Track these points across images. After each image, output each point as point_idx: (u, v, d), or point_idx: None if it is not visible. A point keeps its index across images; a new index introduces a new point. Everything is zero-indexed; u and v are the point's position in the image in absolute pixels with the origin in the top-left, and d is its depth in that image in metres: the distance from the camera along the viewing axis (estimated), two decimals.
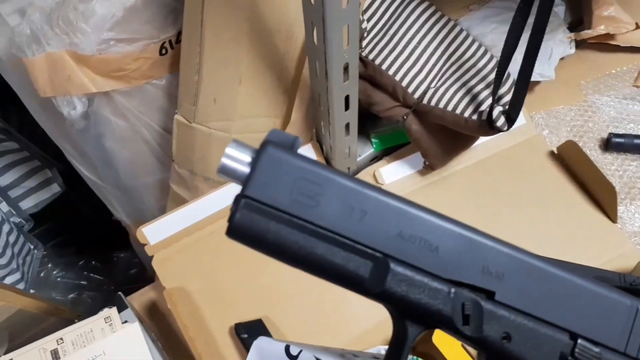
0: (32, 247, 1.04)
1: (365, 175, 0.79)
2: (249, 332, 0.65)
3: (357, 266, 0.21)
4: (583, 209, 0.77)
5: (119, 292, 0.66)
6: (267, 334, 0.66)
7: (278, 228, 0.21)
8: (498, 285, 0.22)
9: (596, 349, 0.21)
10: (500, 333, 0.21)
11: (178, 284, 0.67)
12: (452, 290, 0.21)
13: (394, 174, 0.79)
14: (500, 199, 0.78)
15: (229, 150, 0.21)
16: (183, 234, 0.69)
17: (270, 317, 0.68)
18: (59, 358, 0.60)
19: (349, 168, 0.77)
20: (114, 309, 0.64)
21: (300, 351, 0.40)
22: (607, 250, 0.73)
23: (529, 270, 0.22)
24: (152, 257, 0.68)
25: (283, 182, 0.21)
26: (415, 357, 0.64)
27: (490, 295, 0.22)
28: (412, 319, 0.22)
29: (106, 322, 0.63)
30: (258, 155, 0.21)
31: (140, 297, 0.70)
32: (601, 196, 0.77)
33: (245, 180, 0.21)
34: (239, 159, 0.22)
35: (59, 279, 1.14)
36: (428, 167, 0.79)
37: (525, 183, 0.80)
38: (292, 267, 0.23)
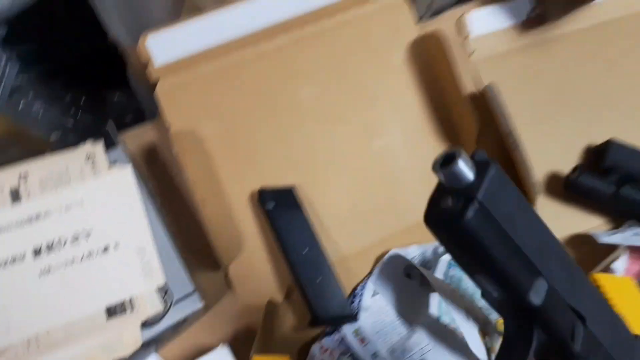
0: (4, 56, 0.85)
1: (447, 20, 0.59)
2: (276, 201, 0.49)
3: (523, 281, 0.25)
4: None
5: (110, 120, 0.49)
6: (298, 206, 0.50)
7: (490, 236, 0.24)
8: (589, 319, 0.27)
9: None
10: (586, 350, 0.26)
11: (187, 126, 0.50)
12: (571, 313, 0.27)
13: (486, 24, 0.59)
14: (620, 77, 0.59)
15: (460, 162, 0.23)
16: (200, 58, 0.50)
17: (304, 186, 0.51)
18: (20, 199, 0.44)
19: (431, 3, 0.56)
20: (100, 145, 0.47)
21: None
22: None
23: (607, 313, 0.29)
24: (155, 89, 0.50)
25: (503, 199, 0.24)
26: None
27: (583, 320, 0.27)
28: (541, 327, 0.26)
29: (88, 160, 0.47)
30: (486, 167, 0.24)
31: (135, 137, 0.52)
32: None
33: (473, 185, 0.23)
34: (467, 167, 0.23)
35: (41, 113, 0.96)
36: (533, 20, 0.58)
37: None
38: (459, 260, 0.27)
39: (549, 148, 0.57)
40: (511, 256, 0.24)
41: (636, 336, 0.30)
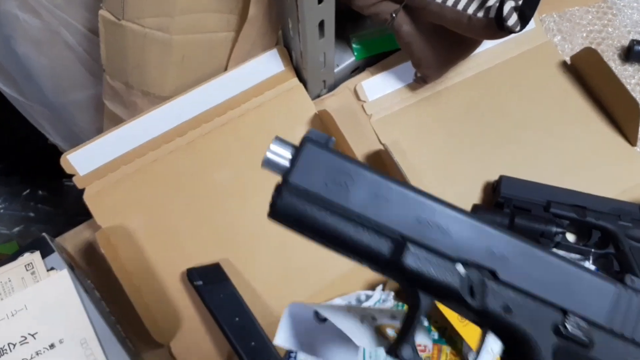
0: None
1: (344, 90, 0.66)
2: (204, 278, 0.55)
3: (379, 245, 0.25)
4: (598, 129, 0.66)
5: (43, 234, 0.54)
6: (225, 279, 0.55)
7: (314, 210, 0.24)
8: (501, 265, 0.25)
9: (584, 323, 0.24)
10: (501, 305, 0.24)
11: (116, 222, 0.55)
12: (460, 267, 0.25)
13: (379, 89, 0.66)
14: (504, 118, 0.66)
15: (273, 146, 0.25)
16: (120, 161, 0.56)
17: (231, 260, 0.57)
18: None
19: (324, 81, 0.64)
20: (37, 254, 0.53)
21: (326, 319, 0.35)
22: (625, 177, 0.63)
23: (528, 255, 0.25)
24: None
25: (319, 172, 0.25)
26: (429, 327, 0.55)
27: (493, 274, 0.25)
28: (424, 290, 0.25)
29: (27, 270, 0.52)
30: (299, 150, 0.25)
31: (73, 238, 0.58)
32: (620, 114, 0.65)
33: (286, 171, 0.25)
34: (282, 154, 0.25)
35: (2, 211, 1.02)
36: (420, 80, 0.66)
37: (532, 99, 0.67)
38: (323, 246, 0.26)
39: (453, 190, 0.63)
40: (342, 221, 0.24)
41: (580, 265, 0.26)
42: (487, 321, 0.25)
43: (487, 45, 0.68)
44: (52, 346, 0.49)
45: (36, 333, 0.50)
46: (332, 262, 0.59)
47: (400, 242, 0.24)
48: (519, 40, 0.69)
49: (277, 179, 0.26)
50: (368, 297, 0.55)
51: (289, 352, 0.56)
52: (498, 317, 0.24)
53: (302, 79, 0.62)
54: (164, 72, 0.55)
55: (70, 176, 0.93)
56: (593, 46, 0.71)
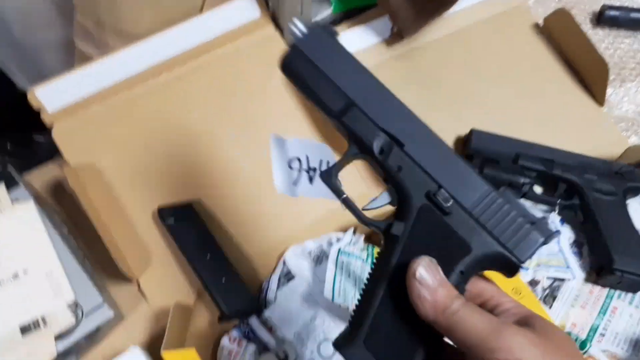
0: None
1: None
2: (175, 216, 0.54)
3: (336, 102, 0.34)
4: (568, 89, 0.68)
5: (8, 166, 0.53)
6: (197, 218, 0.55)
7: (306, 69, 0.34)
8: (409, 141, 0.33)
9: (450, 199, 0.32)
10: (396, 165, 0.33)
11: (86, 160, 0.55)
12: (381, 133, 0.34)
13: (356, 43, 0.67)
14: (477, 76, 0.67)
15: (296, 22, 0.34)
16: (91, 100, 0.55)
17: (203, 201, 0.57)
18: None
19: None
20: (2, 186, 0.52)
21: None
22: (591, 136, 0.65)
23: (432, 143, 0.33)
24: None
25: (318, 47, 0.34)
26: None
27: (401, 145, 0.33)
28: (355, 142, 0.35)
29: None
30: (311, 30, 0.34)
31: (41, 176, 0.57)
32: (590, 75, 0.67)
33: (298, 39, 0.34)
34: (300, 28, 0.34)
35: None
36: (396, 35, 0.67)
37: (506, 59, 0.69)
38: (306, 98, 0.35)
39: None
40: (327, 86, 0.33)
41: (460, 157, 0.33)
42: (387, 176, 0.34)
43: (462, 5, 0.69)
44: (15, 276, 0.48)
45: None
46: (306, 207, 0.59)
47: (349, 105, 0.33)
48: (494, 2, 0.71)
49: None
50: (339, 239, 0.56)
51: (260, 290, 0.56)
52: (392, 172, 0.33)
53: (278, 27, 0.62)
54: (138, 9, 0.55)
55: (41, 130, 0.91)
56: None
